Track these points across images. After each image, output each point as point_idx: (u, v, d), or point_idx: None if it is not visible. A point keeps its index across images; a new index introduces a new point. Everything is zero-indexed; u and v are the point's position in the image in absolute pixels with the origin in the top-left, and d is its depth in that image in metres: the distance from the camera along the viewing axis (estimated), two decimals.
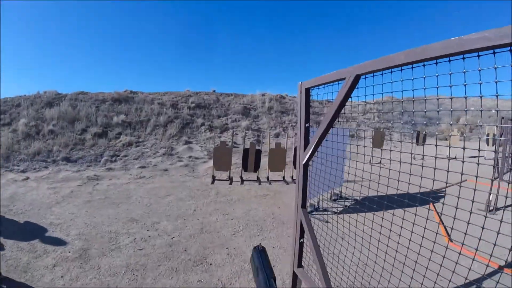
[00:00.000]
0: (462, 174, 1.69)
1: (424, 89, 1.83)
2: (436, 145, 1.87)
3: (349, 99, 2.40)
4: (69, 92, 16.24)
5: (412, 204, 2.37)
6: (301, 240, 3.32)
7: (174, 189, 9.08)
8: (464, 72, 1.61)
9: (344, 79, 2.33)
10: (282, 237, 6.10)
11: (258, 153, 10.36)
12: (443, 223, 6.29)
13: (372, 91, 2.27)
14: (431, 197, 7.24)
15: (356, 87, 2.29)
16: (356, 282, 3.53)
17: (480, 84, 1.54)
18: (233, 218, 6.94)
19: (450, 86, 1.70)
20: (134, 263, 4.62)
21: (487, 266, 1.85)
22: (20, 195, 7.49)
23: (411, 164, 1.81)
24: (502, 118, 7.81)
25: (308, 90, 3.03)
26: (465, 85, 1.64)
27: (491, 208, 7.36)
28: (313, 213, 7.63)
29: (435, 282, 1.99)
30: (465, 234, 1.81)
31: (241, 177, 10.66)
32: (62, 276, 4.18)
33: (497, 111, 1.59)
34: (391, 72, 2.01)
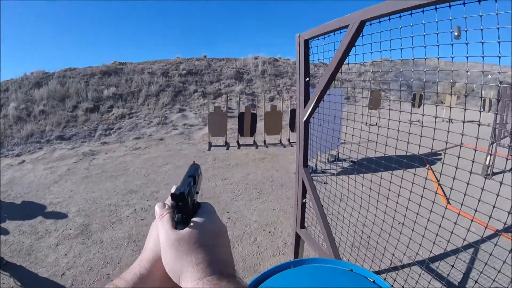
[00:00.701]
0: (462, 135, 1.64)
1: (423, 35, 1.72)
2: (436, 106, 1.81)
3: (353, 51, 2.25)
4: (56, 69, 15.76)
5: (411, 164, 2.34)
6: (304, 201, 3.31)
7: (171, 158, 9.04)
8: (466, 31, 1.51)
9: (347, 26, 2.16)
10: (282, 199, 6.13)
11: (254, 117, 10.26)
12: (440, 185, 6.33)
13: (378, 38, 2.08)
14: (428, 158, 7.26)
15: (361, 34, 2.13)
16: (355, 242, 3.57)
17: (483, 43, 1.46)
18: (232, 183, 6.95)
19: (451, 44, 1.63)
20: (136, 234, 4.63)
21: (486, 228, 1.88)
22: (17, 179, 7.38)
23: (410, 123, 1.74)
24: (501, 82, 7.70)
25: (307, 42, 2.85)
26: (467, 44, 1.55)
27: (488, 172, 7.41)
28: (311, 175, 7.62)
29: (434, 243, 2.00)
30: (464, 194, 1.80)
31: (237, 142, 10.61)
32: (65, 254, 4.17)
33: (499, 73, 1.51)
34: (400, 17, 1.83)
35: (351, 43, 2.16)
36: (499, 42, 1.40)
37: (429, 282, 2.16)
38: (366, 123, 14.74)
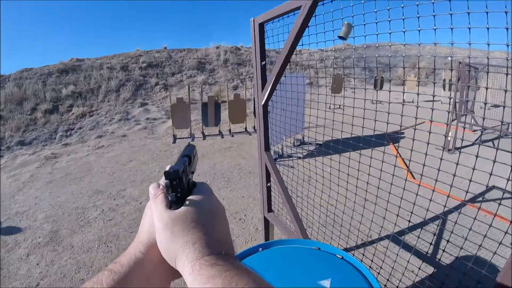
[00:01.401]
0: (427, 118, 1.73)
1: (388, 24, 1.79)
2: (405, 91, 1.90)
3: (306, 32, 2.29)
4: (12, 71, 14.99)
5: (381, 143, 2.41)
6: (268, 184, 3.36)
7: (135, 154, 8.92)
8: (418, 17, 1.59)
9: (299, 8, 2.16)
10: (250, 186, 6.22)
11: (218, 106, 10.24)
12: (404, 162, 6.61)
13: (331, 17, 2.09)
14: (392, 138, 7.50)
15: (314, 15, 2.14)
16: (323, 222, 3.70)
17: (435, 29, 1.56)
18: (199, 174, 6.96)
19: (404, 32, 1.69)
20: (106, 235, 4.58)
21: (448, 198, 1.94)
22: None
23: (377, 103, 1.83)
24: (460, 63, 8.05)
25: (261, 26, 2.87)
26: (419, 30, 1.64)
27: (450, 148, 7.77)
28: (278, 160, 7.77)
29: (397, 215, 2.10)
30: (423, 165, 1.91)
31: (202, 133, 10.59)
32: (37, 264, 4.07)
33: (451, 57, 1.61)
34: None
35: (304, 24, 2.19)
36: (451, 28, 1.49)
37: (397, 255, 2.28)
38: (330, 107, 15.17)
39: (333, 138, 2.77)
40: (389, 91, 2.03)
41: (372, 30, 1.86)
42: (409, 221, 2.11)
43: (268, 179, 3.33)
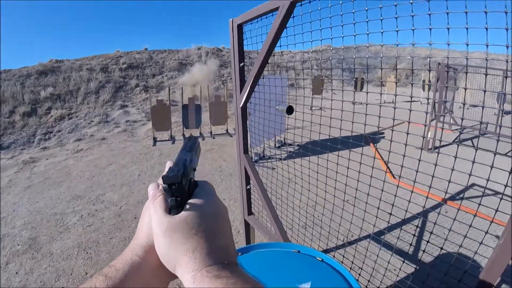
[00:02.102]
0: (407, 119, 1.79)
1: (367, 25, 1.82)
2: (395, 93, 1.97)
3: (285, 32, 2.28)
4: None
5: (361, 144, 2.45)
6: (248, 187, 3.38)
7: (115, 157, 8.84)
8: (396, 18, 1.59)
9: (277, 9, 2.18)
10: (231, 189, 6.27)
11: (198, 108, 10.24)
12: (384, 161, 6.74)
13: (308, 19, 2.09)
14: (372, 139, 7.62)
15: (292, 16, 2.15)
16: (304, 224, 3.75)
17: (413, 30, 1.59)
18: None
19: (381, 32, 1.70)
20: (86, 241, 4.55)
21: (427, 198, 2.04)
22: None
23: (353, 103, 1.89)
24: (439, 64, 8.25)
25: (240, 27, 2.88)
26: (397, 31, 1.64)
27: (430, 147, 8.00)
28: (259, 161, 7.82)
29: (376, 216, 2.14)
30: (401, 166, 1.94)
31: (183, 135, 10.57)
32: (16, 273, 4.00)
33: (430, 58, 1.64)
34: None
35: (282, 25, 2.20)
36: (430, 29, 1.51)
37: (377, 255, 2.33)
38: (310, 108, 15.09)
39: (312, 140, 2.80)
40: (367, 93, 2.08)
41: (351, 31, 1.87)
42: (388, 222, 2.15)
43: (247, 182, 3.34)
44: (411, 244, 2.25)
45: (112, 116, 12.90)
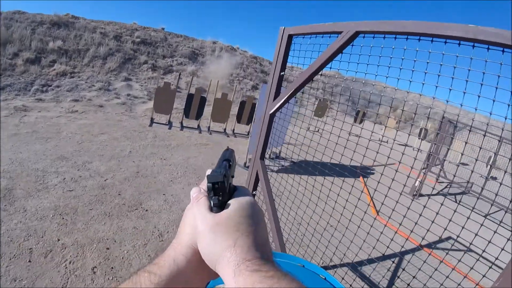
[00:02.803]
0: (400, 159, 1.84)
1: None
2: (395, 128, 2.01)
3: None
4: (4, 10, 14.03)
5: (345, 174, 2.60)
6: (254, 193, 3.32)
7: (108, 128, 8.61)
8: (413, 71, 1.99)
9: (339, 32, 2.26)
10: None
11: (203, 100, 10.05)
12: (371, 197, 6.71)
13: (368, 51, 2.20)
14: (362, 171, 7.64)
15: (351, 44, 2.24)
16: (290, 238, 3.68)
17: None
18: (171, 164, 6.80)
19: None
20: (63, 206, 4.32)
21: (406, 240, 2.19)
22: None
23: (350, 134, 1.90)
24: (443, 117, 8.36)
25: (290, 37, 2.89)
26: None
27: (415, 193, 8.04)
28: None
29: (360, 248, 2.18)
30: (392, 210, 2.12)
31: (181, 123, 10.38)
32: None
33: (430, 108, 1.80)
34: (395, 38, 2.00)
35: (340, 49, 2.27)
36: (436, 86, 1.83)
37: (354, 280, 2.36)
38: (309, 129, 15.12)
39: (307, 160, 2.89)
40: (372, 131, 2.31)
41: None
42: (369, 255, 2.32)
43: (255, 187, 3.31)
44: (383, 277, 2.37)
45: (114, 85, 12.66)
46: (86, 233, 3.88)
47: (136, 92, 12.81)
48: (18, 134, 6.66)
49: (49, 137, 6.84)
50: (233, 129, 11.07)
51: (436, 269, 1.83)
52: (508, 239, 1.69)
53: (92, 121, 8.98)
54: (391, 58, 2.06)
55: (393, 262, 4.19)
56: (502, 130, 1.74)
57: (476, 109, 1.69)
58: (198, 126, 10.50)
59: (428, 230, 1.84)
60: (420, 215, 1.92)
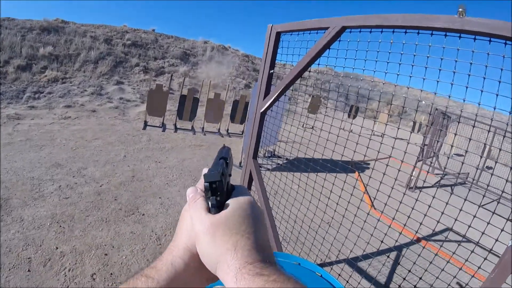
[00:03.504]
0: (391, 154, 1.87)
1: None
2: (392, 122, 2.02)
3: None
4: None
5: (339, 171, 2.61)
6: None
7: (102, 133, 8.58)
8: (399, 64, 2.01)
9: (326, 28, 2.27)
10: None
11: (196, 101, 10.04)
12: (367, 192, 6.75)
13: (355, 46, 2.21)
14: (358, 167, 7.67)
15: (338, 39, 2.25)
16: (285, 236, 3.69)
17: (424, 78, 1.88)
18: (166, 166, 6.80)
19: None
20: (60, 214, 4.33)
21: (400, 233, 2.21)
22: None
23: (343, 130, 1.91)
24: (436, 109, 8.37)
25: (278, 35, 2.89)
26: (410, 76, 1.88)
27: (411, 186, 8.07)
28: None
29: (354, 244, 2.19)
30: (385, 204, 2.13)
31: (175, 125, 10.38)
32: None
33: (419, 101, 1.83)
34: (381, 31, 2.01)
35: (327, 45, 2.28)
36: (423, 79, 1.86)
37: (350, 276, 2.35)
38: (303, 125, 15.21)
39: (300, 157, 2.89)
40: (364, 127, 2.29)
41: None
42: (364, 250, 2.36)
43: (249, 187, 3.32)
44: (379, 272, 2.39)
45: (106, 90, 12.60)
46: (84, 240, 3.89)
47: (129, 95, 12.77)
48: (12, 143, 6.64)
49: (43, 145, 6.83)
50: (227, 129, 11.08)
51: (431, 262, 1.84)
52: (502, 229, 1.71)
53: (85, 126, 8.96)
54: (377, 52, 2.08)
55: (398, 256, 4.21)
56: (491, 120, 1.77)
57: (464, 100, 1.74)
58: (192, 127, 10.50)
59: (421, 224, 1.87)
60: (413, 208, 1.93)
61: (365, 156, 2.21)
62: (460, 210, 1.72)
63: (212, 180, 0.55)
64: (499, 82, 1.60)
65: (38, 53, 12.71)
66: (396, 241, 2.20)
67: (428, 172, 9.55)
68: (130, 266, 3.57)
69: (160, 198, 5.32)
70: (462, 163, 1.99)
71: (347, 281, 2.48)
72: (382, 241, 2.17)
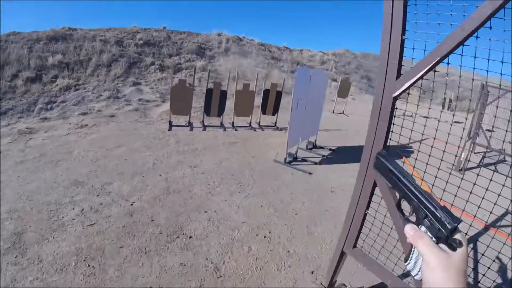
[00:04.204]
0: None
1: None
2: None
3: None
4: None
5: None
6: (367, 212, 2.42)
7: (124, 139, 7.57)
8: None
9: None
10: (267, 193, 5.16)
11: (224, 94, 9.02)
12: (422, 178, 5.74)
13: None
14: (402, 151, 6.79)
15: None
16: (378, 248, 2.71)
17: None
18: (203, 171, 5.80)
19: None
20: (87, 248, 3.33)
21: (470, 225, 2.11)
22: None
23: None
24: (483, 85, 7.35)
25: None
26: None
27: (460, 167, 7.53)
28: (292, 163, 6.72)
29: None
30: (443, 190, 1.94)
31: (202, 123, 9.39)
32: None
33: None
34: None
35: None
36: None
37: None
38: (333, 111, 14.33)
39: (342, 145, 2.23)
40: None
41: None
42: None
43: (368, 204, 2.28)
44: None
45: (123, 92, 11.65)
46: (122, 282, 2.90)
47: (148, 95, 11.85)
48: (24, 162, 5.66)
49: (59, 160, 5.85)
50: (259, 122, 10.04)
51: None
52: None
53: (105, 133, 7.97)
54: None
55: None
56: None
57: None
58: (221, 123, 9.49)
59: (478, 207, 1.77)
60: (471, 192, 1.85)
61: (410, 139, 2.12)
62: None
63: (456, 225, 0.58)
64: None
65: (47, 63, 11.82)
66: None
67: (470, 151, 8.56)
68: None
69: (206, 212, 4.33)
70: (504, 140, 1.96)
71: None
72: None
